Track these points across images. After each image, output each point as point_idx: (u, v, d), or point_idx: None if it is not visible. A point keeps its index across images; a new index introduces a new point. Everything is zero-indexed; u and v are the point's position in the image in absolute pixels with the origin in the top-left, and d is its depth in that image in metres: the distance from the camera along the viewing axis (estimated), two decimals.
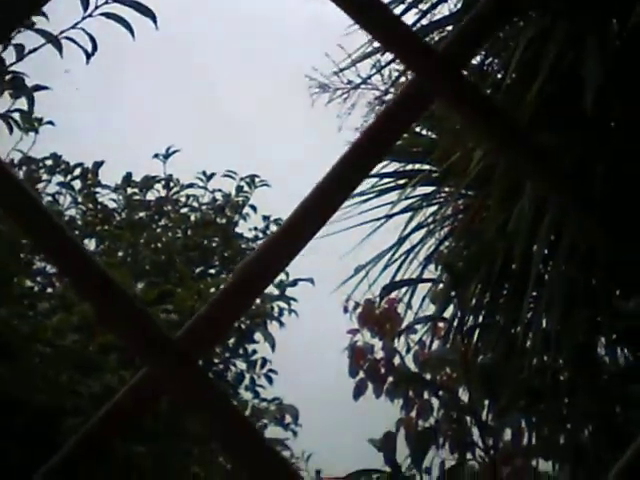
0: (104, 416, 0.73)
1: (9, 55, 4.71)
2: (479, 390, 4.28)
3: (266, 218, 6.96)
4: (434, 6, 4.87)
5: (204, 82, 8.23)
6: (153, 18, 3.96)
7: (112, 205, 6.61)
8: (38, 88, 4.76)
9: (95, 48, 4.28)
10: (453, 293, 5.55)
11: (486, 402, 4.45)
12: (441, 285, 5.67)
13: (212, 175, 7.05)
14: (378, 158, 0.82)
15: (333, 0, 0.82)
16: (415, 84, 0.80)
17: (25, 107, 5.19)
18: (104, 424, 0.73)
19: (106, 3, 4.09)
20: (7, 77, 4.60)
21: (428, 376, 5.11)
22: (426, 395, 5.05)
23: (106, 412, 0.73)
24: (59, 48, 4.27)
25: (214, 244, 6.71)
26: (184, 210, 6.91)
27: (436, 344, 5.27)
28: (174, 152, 7.05)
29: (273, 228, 6.91)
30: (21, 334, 4.07)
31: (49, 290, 5.42)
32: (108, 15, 4.12)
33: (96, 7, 4.09)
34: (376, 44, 5.46)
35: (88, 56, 4.31)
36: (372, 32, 0.85)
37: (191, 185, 7.00)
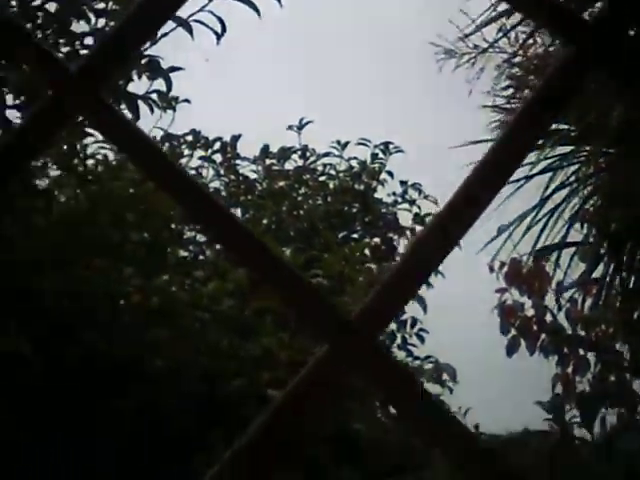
0: (292, 392, 0.74)
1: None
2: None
3: (404, 183, 6.94)
4: None
5: (329, 54, 8.23)
6: None
7: (252, 176, 6.72)
8: (173, 69, 4.88)
9: (224, 29, 4.35)
10: (602, 251, 5.44)
11: None
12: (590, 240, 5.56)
13: (346, 144, 7.06)
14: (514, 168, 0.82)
15: None
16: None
17: (162, 87, 5.34)
18: (293, 402, 0.74)
19: None
20: (143, 61, 4.72)
21: (582, 333, 5.04)
22: (582, 351, 4.98)
23: (291, 391, 0.74)
24: (190, 31, 4.36)
25: (354, 210, 6.75)
26: (322, 178, 6.96)
27: (588, 302, 5.18)
28: (307, 123, 7.09)
29: (411, 193, 6.89)
30: (180, 301, 4.19)
31: (201, 258, 5.55)
32: None
33: None
34: (500, 8, 5.36)
35: (218, 37, 4.39)
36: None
37: (327, 154, 7.04)
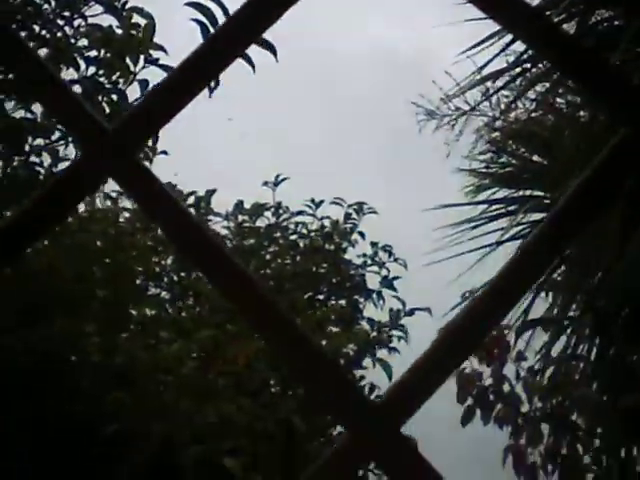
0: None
1: (133, 91, 4.87)
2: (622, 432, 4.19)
3: (374, 244, 6.97)
4: None
5: (310, 112, 8.30)
6: (274, 52, 3.98)
7: (224, 232, 6.72)
8: None
9: (217, 83, 4.38)
10: (566, 322, 5.48)
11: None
12: (554, 311, 5.60)
13: (320, 202, 7.10)
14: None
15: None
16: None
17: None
18: None
19: None
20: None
21: (538, 404, 5.06)
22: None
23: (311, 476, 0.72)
24: None
25: (322, 270, 6.75)
26: (293, 237, 6.97)
27: (549, 372, 5.21)
28: (283, 180, 7.13)
29: (381, 255, 6.91)
30: (143, 362, 4.16)
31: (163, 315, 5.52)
32: None
33: None
34: (485, 72, 5.47)
35: (210, 90, 4.41)
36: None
37: (300, 212, 7.06)
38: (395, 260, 6.83)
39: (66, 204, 0.79)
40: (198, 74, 0.80)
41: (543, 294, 5.69)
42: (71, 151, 5.10)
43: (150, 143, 5.20)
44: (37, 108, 4.92)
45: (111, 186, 6.67)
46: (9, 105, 4.93)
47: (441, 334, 0.75)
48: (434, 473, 0.72)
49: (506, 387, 5.19)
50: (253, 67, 3.97)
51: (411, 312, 6.18)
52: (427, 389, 0.74)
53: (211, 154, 7.52)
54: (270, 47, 3.82)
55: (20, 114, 4.93)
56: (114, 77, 4.94)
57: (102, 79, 4.95)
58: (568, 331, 5.35)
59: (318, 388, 0.73)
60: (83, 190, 0.79)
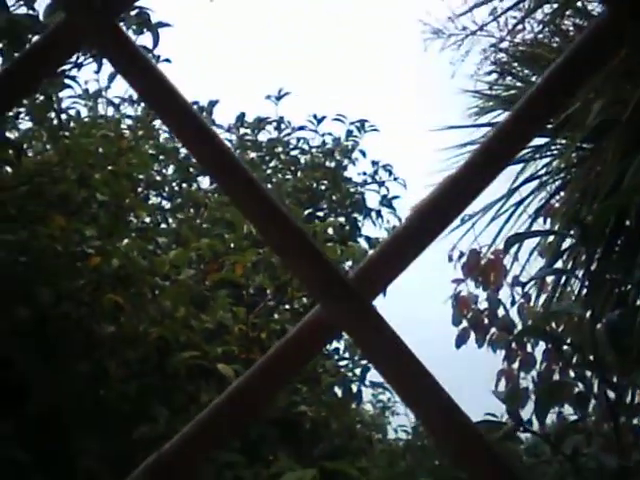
0: (276, 352, 0.73)
1: None
2: (605, 346, 4.19)
3: (375, 163, 6.97)
4: None
5: (317, 26, 8.22)
6: None
7: None
8: (162, 25, 4.80)
9: None
10: (564, 247, 5.50)
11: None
12: (551, 238, 5.61)
13: (323, 118, 7.07)
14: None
15: None
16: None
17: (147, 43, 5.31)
18: (277, 360, 0.74)
19: None
20: (132, 12, 4.64)
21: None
22: (529, 348, 5.03)
23: (279, 348, 0.73)
24: None
25: (323, 187, 6.76)
26: (294, 152, 6.96)
27: (542, 298, 5.24)
28: (286, 94, 7.09)
29: (382, 173, 6.92)
30: (140, 267, 4.19)
31: (163, 226, 5.54)
32: None
33: None
34: None
35: None
36: None
37: (302, 127, 7.05)
38: (395, 179, 6.84)
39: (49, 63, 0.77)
40: None
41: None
42: None
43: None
44: (39, 5, 4.85)
45: (114, 92, 6.65)
46: (11, 1, 4.86)
47: (412, 211, 0.75)
48: (401, 343, 0.72)
49: (501, 311, 5.25)
50: None
51: None
52: (398, 266, 0.75)
53: (215, 64, 7.47)
54: None
55: (22, 11, 4.86)
56: None
57: None
58: (565, 257, 5.38)
59: (295, 264, 0.74)
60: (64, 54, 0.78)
